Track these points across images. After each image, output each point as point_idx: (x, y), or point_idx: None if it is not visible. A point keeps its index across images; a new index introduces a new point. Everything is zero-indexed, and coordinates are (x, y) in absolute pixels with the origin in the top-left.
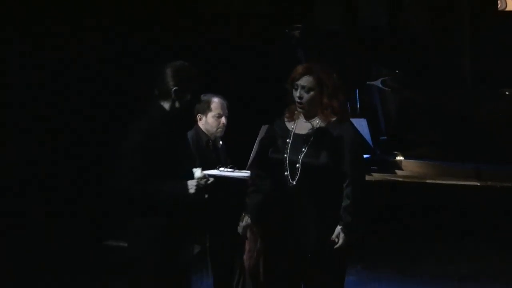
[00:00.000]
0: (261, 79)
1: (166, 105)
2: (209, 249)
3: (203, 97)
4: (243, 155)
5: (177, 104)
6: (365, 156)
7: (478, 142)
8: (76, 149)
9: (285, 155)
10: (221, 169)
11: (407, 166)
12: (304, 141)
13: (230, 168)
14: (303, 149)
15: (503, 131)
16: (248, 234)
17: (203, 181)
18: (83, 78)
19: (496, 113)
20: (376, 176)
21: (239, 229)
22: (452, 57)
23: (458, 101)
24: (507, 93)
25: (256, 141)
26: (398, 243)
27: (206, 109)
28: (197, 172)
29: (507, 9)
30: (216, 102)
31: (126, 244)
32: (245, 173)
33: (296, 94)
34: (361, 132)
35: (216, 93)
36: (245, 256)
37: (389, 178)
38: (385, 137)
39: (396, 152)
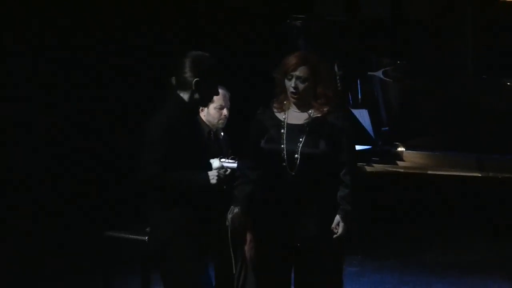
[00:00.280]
0: (263, 70)
1: (185, 96)
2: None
3: None
4: None
5: (196, 95)
6: (366, 147)
7: (480, 132)
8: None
9: (282, 146)
10: (223, 160)
11: (409, 157)
12: (301, 131)
13: (231, 159)
14: (300, 139)
15: (505, 121)
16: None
17: (222, 171)
18: (83, 75)
19: (498, 103)
20: (377, 167)
21: (228, 222)
22: (453, 47)
23: (460, 91)
24: (508, 83)
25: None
26: (399, 234)
27: None
28: (216, 162)
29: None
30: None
31: (144, 236)
32: None
33: (291, 84)
34: (363, 123)
35: (218, 84)
36: (246, 248)
37: (390, 169)
38: (387, 128)
39: (397, 143)
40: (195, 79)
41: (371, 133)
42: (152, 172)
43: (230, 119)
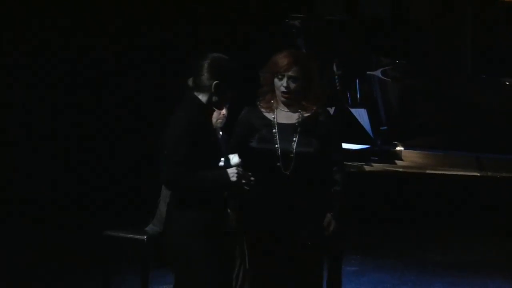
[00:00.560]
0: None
1: (203, 97)
2: None
3: None
4: None
5: (214, 98)
6: (365, 146)
7: (479, 132)
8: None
9: (276, 146)
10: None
11: (408, 157)
12: (293, 130)
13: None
14: (294, 139)
15: (504, 121)
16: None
17: (241, 168)
18: (83, 75)
19: (497, 102)
20: (376, 166)
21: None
22: (452, 47)
23: (459, 91)
24: (507, 83)
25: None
26: (399, 233)
27: None
28: (235, 158)
29: None
30: None
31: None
32: None
33: (283, 84)
34: (361, 122)
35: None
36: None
37: (389, 168)
38: (386, 127)
39: (396, 143)
40: (215, 82)
41: (370, 132)
42: (177, 173)
43: (229, 118)
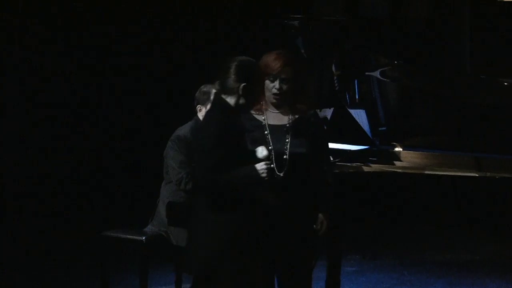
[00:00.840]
0: None
1: (231, 100)
2: None
3: (203, 88)
4: None
5: (241, 100)
6: (364, 147)
7: (478, 132)
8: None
9: (269, 147)
10: None
11: (406, 157)
12: (285, 131)
13: None
14: (286, 140)
15: (502, 120)
16: None
17: (269, 162)
18: (82, 75)
19: (495, 102)
20: (375, 167)
21: None
22: (451, 47)
23: (458, 91)
24: (505, 84)
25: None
26: (398, 234)
27: (206, 100)
28: (264, 151)
29: None
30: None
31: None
32: None
33: (275, 86)
34: (360, 122)
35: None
36: None
37: (388, 169)
38: (384, 128)
39: (395, 143)
40: (243, 84)
41: (369, 133)
42: (212, 177)
43: None
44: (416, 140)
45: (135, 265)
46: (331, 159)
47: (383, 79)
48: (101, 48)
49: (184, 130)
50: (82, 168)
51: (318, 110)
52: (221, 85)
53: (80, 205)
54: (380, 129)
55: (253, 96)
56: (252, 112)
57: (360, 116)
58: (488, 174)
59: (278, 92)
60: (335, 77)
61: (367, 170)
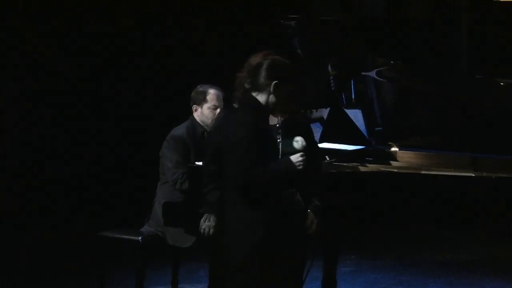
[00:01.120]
0: None
1: (261, 98)
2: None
3: (199, 88)
4: None
5: (272, 98)
6: (360, 147)
7: (475, 131)
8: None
9: None
10: None
11: (403, 157)
12: (276, 131)
13: None
14: (278, 140)
15: (500, 120)
16: None
17: (304, 154)
18: (82, 74)
19: (493, 102)
20: (371, 167)
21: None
22: (448, 47)
23: (455, 90)
24: (502, 83)
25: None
26: (395, 234)
27: (202, 100)
28: (301, 141)
29: None
30: (212, 93)
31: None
32: None
33: None
34: (356, 122)
35: (213, 84)
36: None
37: (384, 169)
38: (381, 128)
39: (391, 143)
40: (274, 82)
41: (365, 133)
42: (253, 174)
43: None
44: (412, 140)
45: (132, 265)
46: (327, 158)
47: (379, 79)
48: (101, 48)
49: (180, 130)
50: (78, 169)
51: (315, 110)
52: (252, 82)
53: (76, 205)
54: (376, 129)
55: (285, 94)
56: None
57: (356, 116)
58: (485, 174)
59: None
60: (331, 77)
61: (364, 170)
